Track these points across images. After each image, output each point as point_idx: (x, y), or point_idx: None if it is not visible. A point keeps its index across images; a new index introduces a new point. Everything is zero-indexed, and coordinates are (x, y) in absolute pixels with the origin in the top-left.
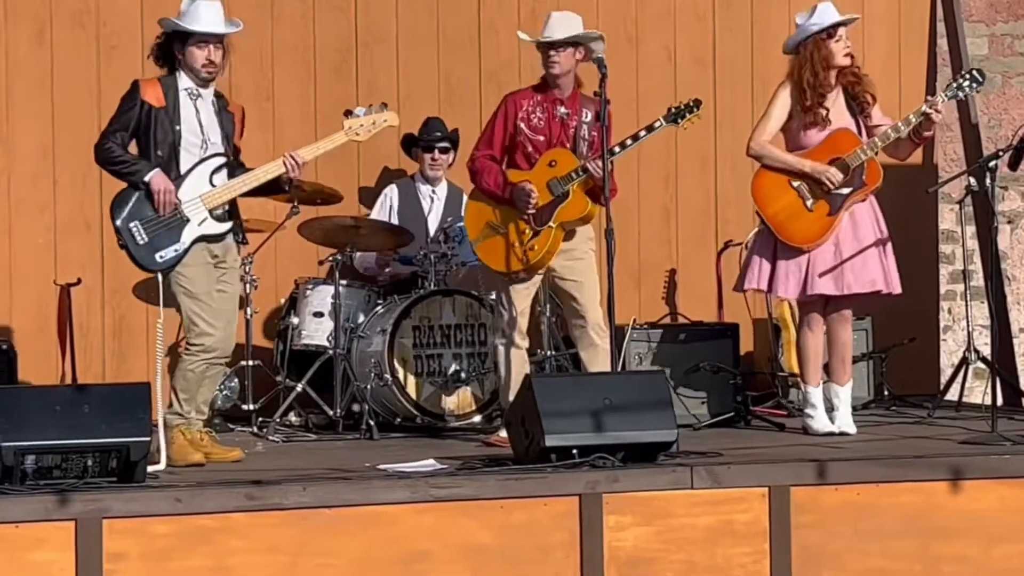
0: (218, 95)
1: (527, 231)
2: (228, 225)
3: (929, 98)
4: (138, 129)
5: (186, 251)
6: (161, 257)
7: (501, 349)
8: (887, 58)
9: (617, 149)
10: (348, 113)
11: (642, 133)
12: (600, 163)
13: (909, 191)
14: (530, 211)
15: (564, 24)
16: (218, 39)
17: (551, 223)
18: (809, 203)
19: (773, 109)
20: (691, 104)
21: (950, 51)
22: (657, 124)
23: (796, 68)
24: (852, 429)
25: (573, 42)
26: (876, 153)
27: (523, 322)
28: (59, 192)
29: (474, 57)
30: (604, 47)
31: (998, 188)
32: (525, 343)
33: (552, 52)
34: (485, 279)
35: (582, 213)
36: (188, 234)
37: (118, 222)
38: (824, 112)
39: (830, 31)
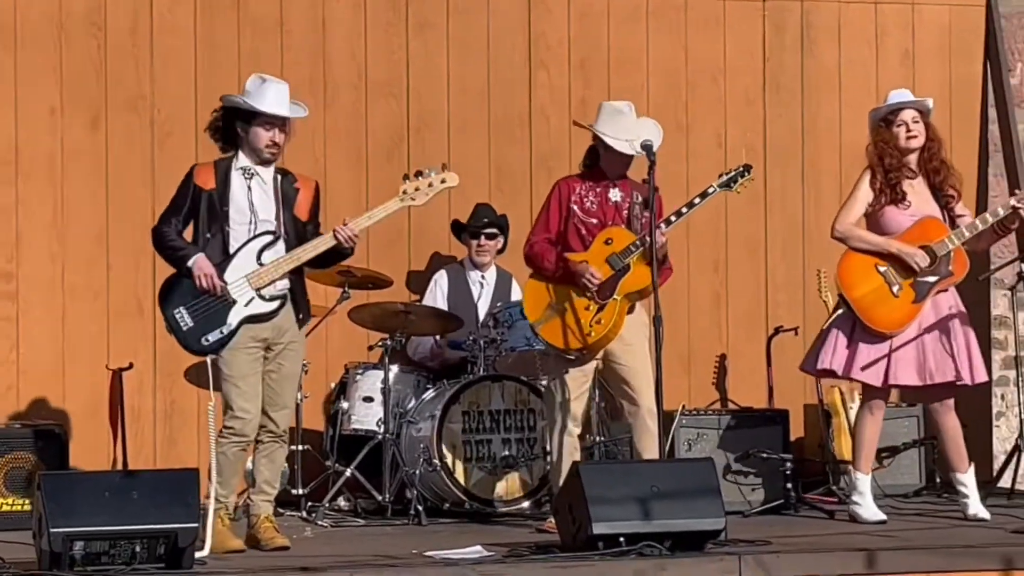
0: (284, 172)
1: (591, 307)
2: (276, 304)
3: (1018, 192)
4: (190, 213)
5: (232, 333)
6: (206, 340)
7: (554, 435)
8: None
9: (673, 218)
10: (406, 177)
11: (696, 200)
12: (659, 230)
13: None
14: (593, 286)
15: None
16: (283, 121)
17: (615, 296)
18: (896, 289)
19: (856, 192)
20: (742, 169)
21: (1001, 137)
22: (711, 190)
23: (868, 152)
24: (986, 515)
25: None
26: (963, 243)
27: (577, 408)
28: (112, 277)
29: (524, 143)
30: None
31: None
32: (578, 430)
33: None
34: (544, 364)
35: (645, 283)
36: (234, 316)
37: (165, 309)
38: (900, 193)
39: (887, 116)
